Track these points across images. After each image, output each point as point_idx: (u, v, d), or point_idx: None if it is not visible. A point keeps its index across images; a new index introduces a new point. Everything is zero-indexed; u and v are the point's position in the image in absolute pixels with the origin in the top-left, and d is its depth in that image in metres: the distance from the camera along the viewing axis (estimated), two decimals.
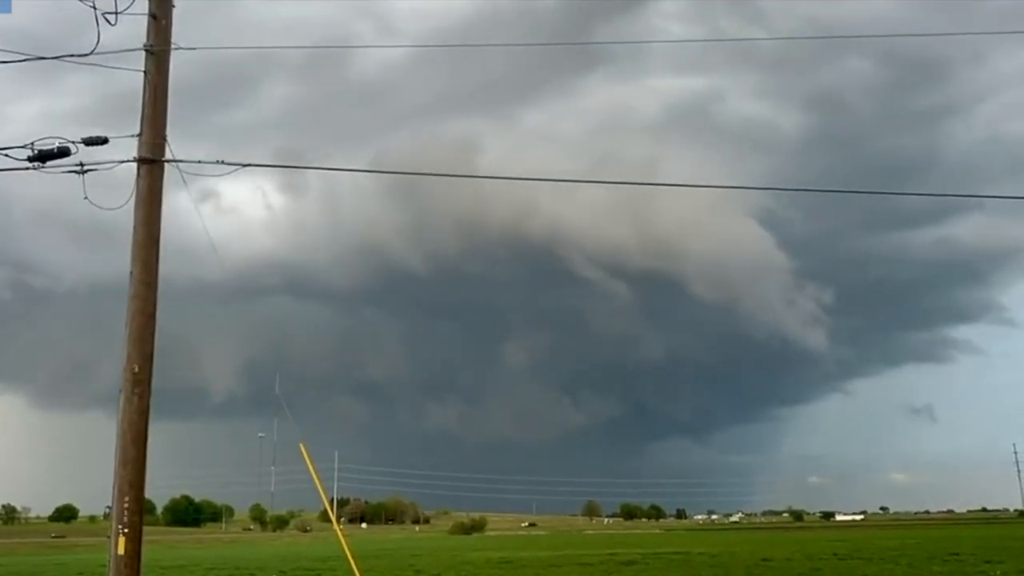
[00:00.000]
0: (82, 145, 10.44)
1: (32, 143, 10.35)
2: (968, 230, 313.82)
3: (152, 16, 10.65)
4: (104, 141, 10.51)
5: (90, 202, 10.72)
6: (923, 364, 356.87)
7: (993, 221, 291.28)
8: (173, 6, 10.84)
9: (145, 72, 10.59)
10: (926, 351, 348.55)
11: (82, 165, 10.49)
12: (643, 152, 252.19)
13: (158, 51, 10.61)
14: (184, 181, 10.86)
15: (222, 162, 11.04)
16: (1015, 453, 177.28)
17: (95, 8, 10.48)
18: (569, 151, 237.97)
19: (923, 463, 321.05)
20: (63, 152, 10.41)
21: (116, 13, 10.49)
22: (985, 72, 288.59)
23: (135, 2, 10.56)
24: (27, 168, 10.42)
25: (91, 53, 10.65)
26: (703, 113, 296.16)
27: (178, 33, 10.83)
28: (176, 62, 10.76)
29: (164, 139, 10.55)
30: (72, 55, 10.86)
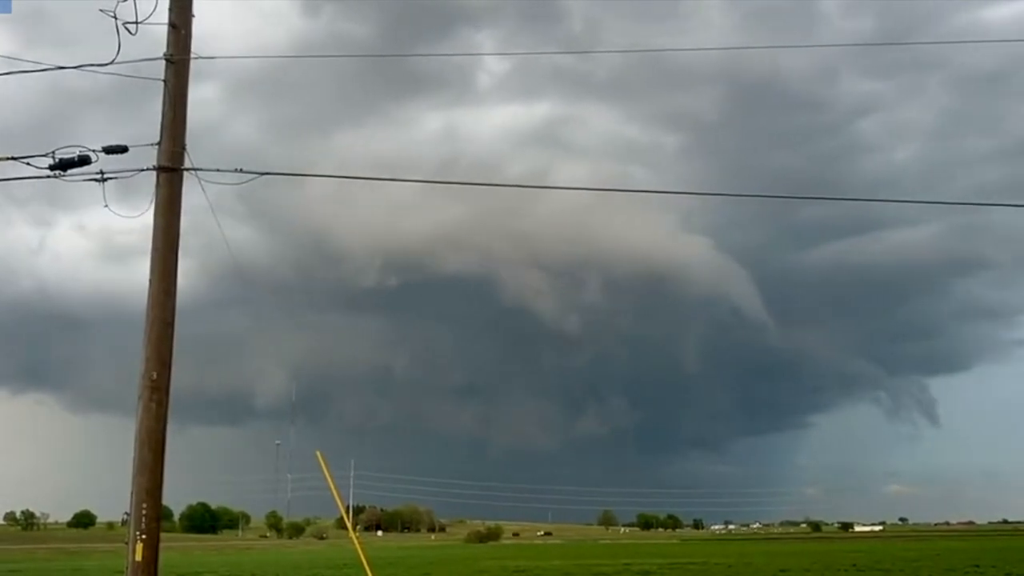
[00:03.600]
0: (102, 153, 10.55)
1: (53, 151, 10.46)
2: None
3: (172, 26, 10.74)
4: (124, 150, 10.62)
5: (111, 210, 10.84)
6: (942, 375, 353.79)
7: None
8: (193, 16, 10.93)
9: (164, 81, 10.67)
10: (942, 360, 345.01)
11: (102, 173, 10.59)
12: (525, 166, 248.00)
13: (177, 60, 10.70)
14: (203, 189, 10.94)
15: (241, 170, 11.12)
16: None
17: (115, 18, 10.57)
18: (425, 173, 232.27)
19: (942, 474, 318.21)
20: (84, 160, 10.51)
21: (136, 23, 10.58)
22: (839, 91, 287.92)
23: (155, 11, 10.66)
24: (48, 176, 10.52)
25: (111, 63, 10.74)
26: (554, 135, 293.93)
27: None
28: None
29: (183, 148, 10.63)
30: (92, 64, 10.97)
